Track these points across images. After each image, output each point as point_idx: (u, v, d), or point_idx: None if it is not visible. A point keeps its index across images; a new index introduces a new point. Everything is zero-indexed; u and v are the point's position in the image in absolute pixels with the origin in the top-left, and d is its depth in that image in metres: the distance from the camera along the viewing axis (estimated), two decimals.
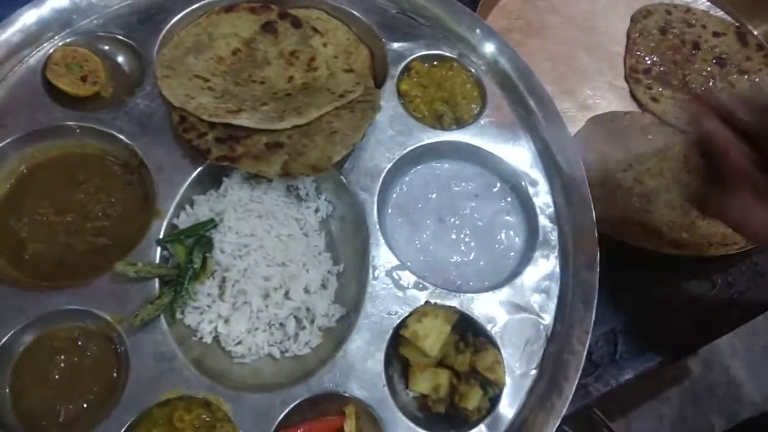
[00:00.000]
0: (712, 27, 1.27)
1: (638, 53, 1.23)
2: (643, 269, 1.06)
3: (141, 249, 0.83)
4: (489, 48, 1.04)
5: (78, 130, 0.90)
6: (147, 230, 0.85)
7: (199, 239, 0.84)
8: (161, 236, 0.84)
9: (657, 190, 1.10)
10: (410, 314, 0.83)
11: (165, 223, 0.85)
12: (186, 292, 0.80)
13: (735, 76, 1.23)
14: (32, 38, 0.94)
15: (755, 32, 1.30)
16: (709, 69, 1.24)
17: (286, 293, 0.85)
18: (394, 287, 0.86)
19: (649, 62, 1.22)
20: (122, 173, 0.91)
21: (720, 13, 1.32)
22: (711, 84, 1.22)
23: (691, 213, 1.09)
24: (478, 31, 1.04)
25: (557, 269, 0.91)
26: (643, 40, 1.24)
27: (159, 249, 0.84)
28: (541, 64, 1.19)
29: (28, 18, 0.94)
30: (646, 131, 1.15)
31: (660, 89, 1.19)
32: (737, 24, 1.29)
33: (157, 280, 0.82)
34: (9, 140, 0.88)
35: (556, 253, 0.92)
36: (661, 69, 1.22)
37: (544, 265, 0.91)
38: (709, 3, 1.33)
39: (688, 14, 1.28)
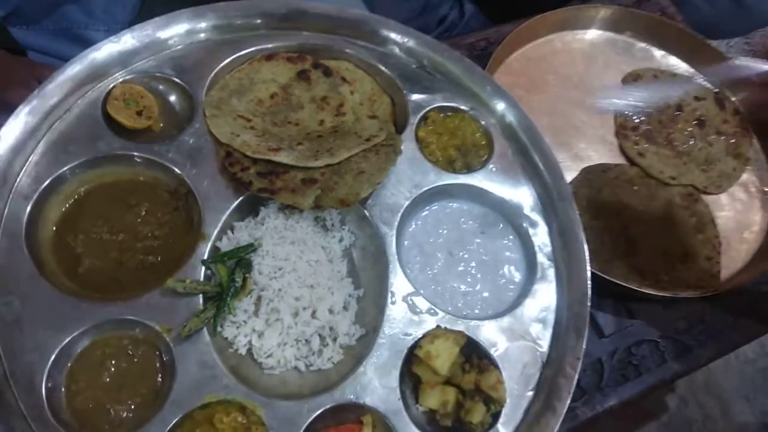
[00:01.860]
0: (693, 92, 1.42)
1: (627, 113, 1.37)
2: (627, 307, 1.18)
3: (187, 268, 0.93)
4: (497, 104, 1.17)
5: (133, 159, 1.01)
6: (193, 251, 0.95)
7: (240, 261, 0.94)
8: (206, 257, 0.95)
9: (642, 235, 1.23)
10: (423, 336, 0.94)
11: (209, 246, 0.96)
12: (227, 307, 0.90)
13: (713, 136, 1.38)
14: (95, 75, 1.05)
15: (733, 98, 1.45)
16: (690, 129, 1.38)
17: (313, 313, 0.96)
18: (409, 312, 0.97)
19: (636, 121, 1.36)
20: (171, 199, 1.02)
21: (701, 79, 1.47)
22: (691, 142, 1.36)
23: (671, 258, 1.22)
24: (488, 88, 1.18)
25: (553, 302, 1.03)
26: None
27: (203, 268, 0.94)
28: (541, 118, 1.32)
29: (93, 57, 1.05)
30: (632, 182, 1.29)
31: (646, 145, 1.33)
32: (716, 90, 1.45)
33: (201, 296, 0.92)
34: (71, 165, 0.98)
35: (552, 288, 1.04)
36: (648, 127, 1.36)
37: (542, 298, 1.03)
38: (692, 70, 1.48)
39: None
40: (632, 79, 1.41)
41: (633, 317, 1.18)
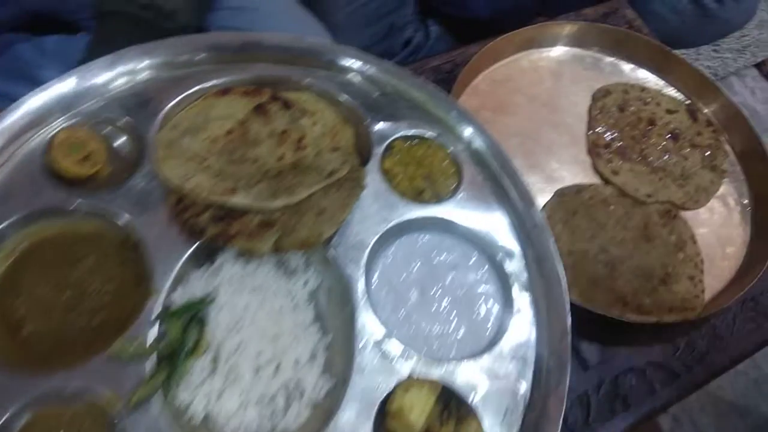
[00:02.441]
0: (665, 105, 1.40)
1: (599, 129, 1.34)
2: (610, 335, 1.14)
3: (136, 327, 0.86)
4: (465, 129, 1.12)
5: (77, 210, 0.94)
6: (142, 308, 0.88)
7: (193, 317, 0.88)
8: (156, 314, 0.88)
9: (620, 257, 1.19)
10: (396, 387, 0.88)
11: (161, 301, 0.89)
12: (181, 369, 0.84)
13: (688, 150, 1.35)
14: (35, 122, 0.99)
15: (705, 110, 1.42)
16: (664, 143, 1.35)
17: (277, 367, 0.89)
18: (381, 358, 0.91)
19: (609, 138, 1.33)
20: (119, 251, 0.95)
21: (672, 91, 1.45)
22: (666, 157, 1.33)
23: (652, 280, 1.18)
24: (454, 113, 1.13)
25: (533, 337, 0.97)
26: (603, 117, 1.35)
27: (155, 326, 0.87)
28: (510, 139, 1.29)
29: (32, 103, 0.99)
30: (607, 202, 1.25)
31: (620, 162, 1.30)
32: (688, 102, 1.42)
33: (152, 357, 0.85)
34: (9, 221, 0.91)
35: (531, 322, 0.99)
36: (621, 144, 1.33)
37: (520, 334, 0.97)
38: (663, 82, 1.45)
39: (643, 93, 1.40)
40: (602, 95, 1.38)
41: (618, 344, 1.13)
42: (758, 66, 2.46)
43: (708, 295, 1.17)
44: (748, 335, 1.15)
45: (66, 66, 1.49)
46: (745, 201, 1.31)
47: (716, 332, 1.15)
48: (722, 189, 1.32)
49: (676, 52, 1.43)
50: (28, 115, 0.98)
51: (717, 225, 1.27)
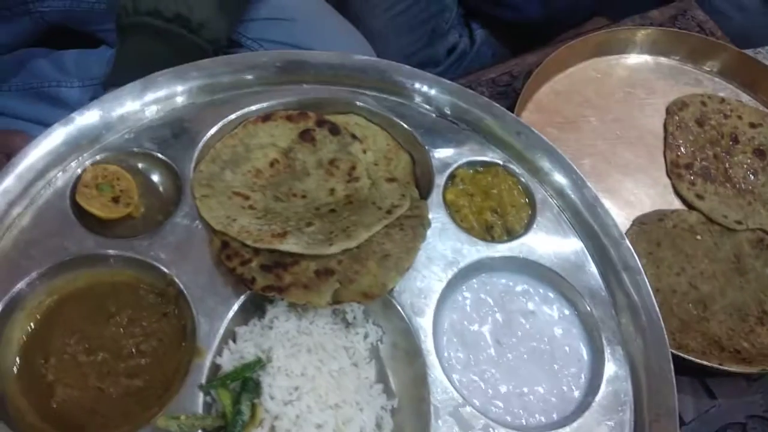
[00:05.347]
0: (747, 117, 1.26)
1: (678, 147, 1.20)
2: (704, 384, 1.01)
3: (182, 397, 0.75)
4: (535, 153, 1.00)
5: (109, 258, 0.84)
6: (187, 372, 0.77)
7: (246, 383, 0.76)
8: (204, 379, 0.77)
9: (712, 294, 1.06)
10: None
11: (207, 363, 0.78)
12: None
13: None
14: (60, 158, 0.88)
15: None
16: (749, 161, 1.21)
17: None
18: (458, 429, 0.79)
19: (689, 156, 1.19)
20: (158, 303, 0.84)
21: (753, 102, 1.30)
22: (753, 177, 1.19)
23: (748, 319, 1.04)
24: (522, 135, 1.01)
25: (629, 398, 0.85)
26: (681, 133, 1.22)
27: (202, 395, 0.76)
28: (580, 160, 1.16)
29: (56, 137, 0.88)
30: (694, 231, 1.11)
31: (704, 185, 1.16)
32: None
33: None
34: (36, 273, 0.81)
35: (626, 378, 0.86)
36: (703, 163, 1.19)
37: (615, 393, 0.85)
38: (744, 92, 1.31)
39: (722, 105, 1.26)
40: (678, 108, 1.24)
41: (714, 397, 1.00)
42: None
43: None
44: None
45: (86, 82, 1.41)
46: None
47: None
48: None
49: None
50: (52, 151, 0.88)
51: None
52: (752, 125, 1.25)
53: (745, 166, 1.21)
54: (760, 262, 1.10)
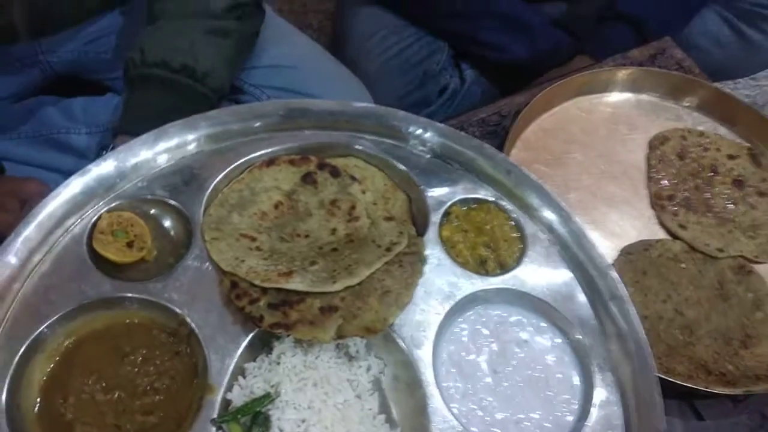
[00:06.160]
0: (725, 150, 1.32)
1: (660, 179, 1.27)
2: (693, 404, 1.05)
3: (195, 431, 0.80)
4: (523, 190, 1.06)
5: (124, 300, 0.89)
6: (199, 407, 0.82)
7: (256, 417, 0.81)
8: (215, 414, 0.81)
9: (697, 320, 1.11)
10: None
11: (218, 399, 0.83)
12: None
13: (755, 197, 1.27)
14: (78, 206, 0.94)
15: None
16: (728, 191, 1.27)
17: None
18: None
19: (671, 188, 1.25)
20: (170, 342, 0.89)
21: (731, 135, 1.37)
22: (733, 207, 1.25)
23: (732, 342, 1.09)
24: (512, 174, 1.07)
25: (620, 422, 0.89)
26: (663, 166, 1.28)
27: (214, 429, 0.80)
28: (567, 194, 1.22)
29: (74, 187, 0.94)
30: (678, 259, 1.17)
31: (686, 216, 1.22)
32: (749, 145, 1.34)
33: None
34: (56, 317, 0.86)
35: (617, 404, 0.90)
36: (685, 194, 1.25)
37: (605, 419, 0.89)
38: (721, 125, 1.38)
39: (702, 138, 1.33)
40: (659, 142, 1.31)
41: (702, 418, 1.04)
42: None
43: None
44: None
45: (93, 128, 1.47)
46: None
47: None
48: None
49: (716, 84, 1.37)
50: (69, 200, 0.94)
51: None
52: (730, 157, 1.32)
53: (724, 196, 1.27)
54: (741, 287, 1.15)
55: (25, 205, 1.08)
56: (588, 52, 1.65)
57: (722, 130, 1.37)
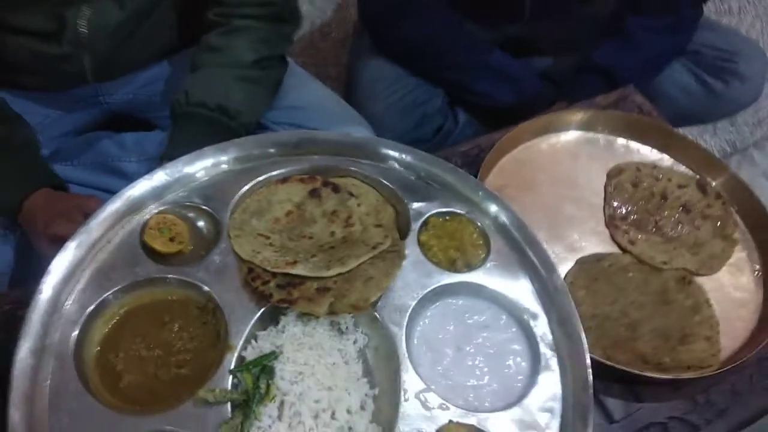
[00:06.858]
0: (676, 180, 1.53)
1: (615, 204, 1.48)
2: (634, 392, 1.23)
3: (216, 378, 1.02)
4: (491, 206, 1.29)
5: (167, 281, 1.14)
6: (221, 362, 1.05)
7: (263, 368, 1.03)
8: (233, 367, 1.04)
9: (641, 320, 1.30)
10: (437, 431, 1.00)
11: (235, 356, 1.05)
12: (253, 413, 0.98)
13: (699, 221, 1.47)
14: (133, 208, 1.20)
15: (713, 183, 1.55)
16: (677, 215, 1.48)
17: (333, 414, 1.03)
18: (422, 408, 1.04)
19: (624, 211, 1.47)
20: (200, 315, 1.13)
21: (682, 168, 1.59)
22: (679, 228, 1.46)
23: (671, 340, 1.28)
24: (481, 193, 1.30)
25: (558, 391, 1.09)
26: (618, 192, 1.50)
27: (231, 377, 1.03)
28: (534, 213, 1.43)
29: (131, 193, 1.20)
30: (626, 269, 1.37)
31: (636, 234, 1.43)
32: (698, 176, 1.56)
33: (229, 403, 1.00)
34: (113, 290, 1.11)
35: (556, 377, 1.10)
36: (636, 217, 1.46)
37: (547, 388, 1.09)
38: (672, 159, 1.60)
39: (655, 170, 1.55)
40: (616, 173, 1.53)
41: (641, 401, 1.22)
42: None
43: (725, 354, 1.25)
44: (765, 392, 1.23)
45: (142, 158, 1.76)
46: (757, 267, 1.41)
47: (735, 389, 1.23)
48: (735, 256, 1.43)
49: (694, 128, 1.58)
50: (126, 204, 1.20)
51: (731, 289, 1.37)
52: (680, 186, 1.53)
53: (673, 219, 1.47)
54: (682, 294, 1.34)
55: (89, 218, 1.34)
56: (566, 98, 1.90)
57: (672, 163, 1.58)
